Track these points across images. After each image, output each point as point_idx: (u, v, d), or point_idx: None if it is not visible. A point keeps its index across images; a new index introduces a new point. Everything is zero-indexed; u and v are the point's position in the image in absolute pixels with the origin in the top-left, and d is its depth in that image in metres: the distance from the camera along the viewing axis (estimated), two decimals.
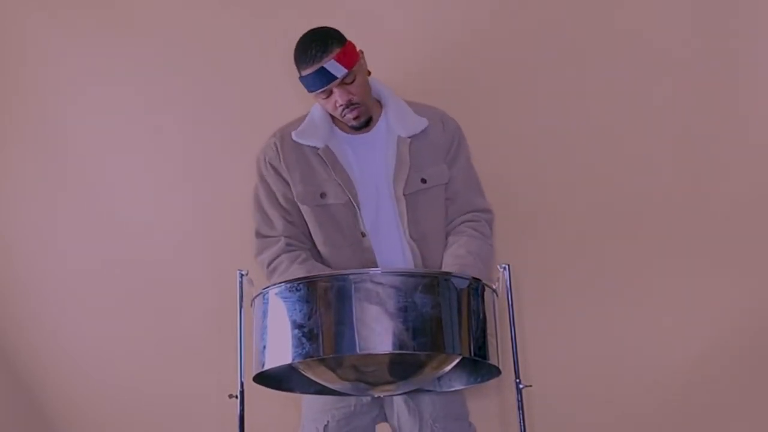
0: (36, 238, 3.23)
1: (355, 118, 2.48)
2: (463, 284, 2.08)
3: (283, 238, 2.52)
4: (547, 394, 2.65)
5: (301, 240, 2.54)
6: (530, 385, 2.19)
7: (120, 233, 3.17)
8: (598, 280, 2.91)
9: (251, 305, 2.19)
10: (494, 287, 2.19)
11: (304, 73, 2.42)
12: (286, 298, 2.05)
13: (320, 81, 2.40)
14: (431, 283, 2.03)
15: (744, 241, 2.86)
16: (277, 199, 2.55)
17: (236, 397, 2.18)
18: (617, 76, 2.96)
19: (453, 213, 2.56)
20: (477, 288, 2.11)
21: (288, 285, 2.06)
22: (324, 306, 2.01)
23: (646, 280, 2.89)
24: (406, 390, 2.33)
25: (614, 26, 2.98)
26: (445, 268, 2.43)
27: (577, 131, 2.97)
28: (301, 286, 2.04)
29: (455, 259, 2.44)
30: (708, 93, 2.91)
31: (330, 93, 2.43)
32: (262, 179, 2.59)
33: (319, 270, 2.44)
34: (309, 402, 2.51)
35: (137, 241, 3.16)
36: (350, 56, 2.41)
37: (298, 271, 2.43)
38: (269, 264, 2.52)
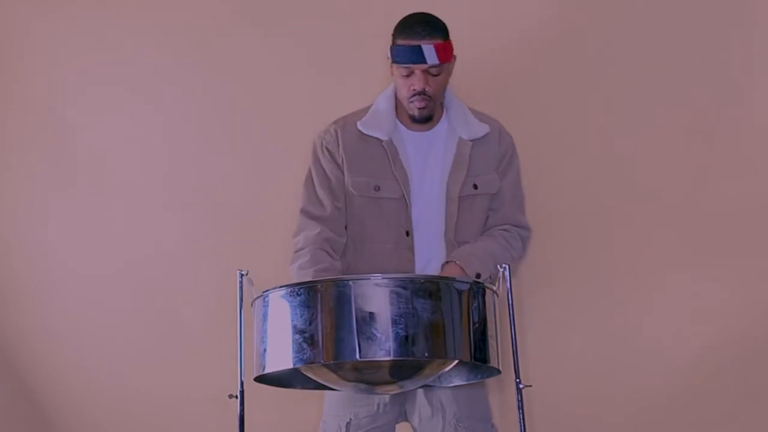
0: (36, 239, 3.23)
1: (420, 108, 2.49)
2: (464, 287, 2.08)
3: (322, 228, 2.50)
4: (547, 394, 2.65)
5: (340, 233, 2.53)
6: (530, 385, 2.19)
7: (120, 234, 3.17)
8: (599, 280, 2.91)
9: (251, 306, 2.19)
10: (494, 288, 2.19)
11: (401, 42, 2.43)
12: (287, 302, 2.05)
13: (410, 57, 2.41)
14: (432, 288, 2.03)
15: (744, 241, 2.86)
16: (330, 183, 2.55)
17: (236, 397, 2.18)
18: (618, 78, 2.96)
19: (492, 223, 2.59)
20: (477, 290, 2.11)
21: (289, 289, 2.06)
22: (325, 311, 2.01)
23: (647, 280, 2.89)
24: (408, 389, 2.33)
25: (616, 28, 2.97)
26: (455, 254, 2.46)
27: (577, 132, 2.97)
28: (301, 290, 2.04)
29: (470, 247, 2.48)
30: (709, 94, 2.91)
31: (411, 73, 2.44)
32: (317, 162, 2.58)
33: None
34: (331, 397, 2.50)
35: (137, 241, 3.16)
36: (447, 52, 2.44)
37: (307, 278, 2.41)
38: (298, 249, 2.51)
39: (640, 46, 2.96)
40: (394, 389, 2.26)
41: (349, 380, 2.16)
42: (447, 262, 2.46)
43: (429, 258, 2.51)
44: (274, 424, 2.81)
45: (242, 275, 2.24)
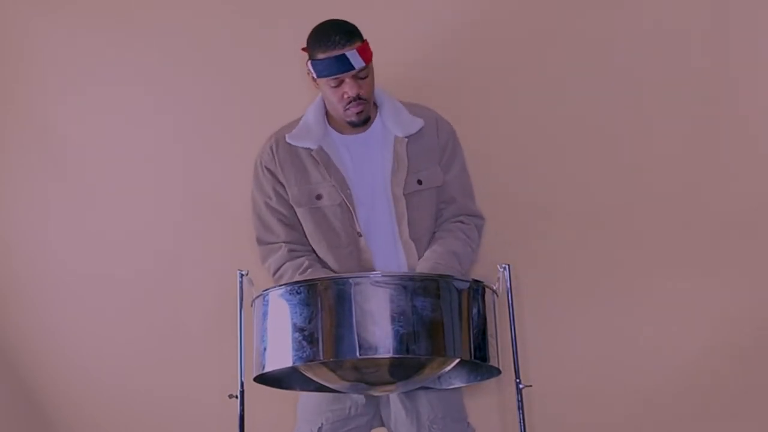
0: (36, 239, 3.23)
1: (357, 113, 2.47)
2: (464, 286, 2.09)
3: (284, 245, 2.52)
4: (547, 394, 2.65)
5: (302, 243, 2.55)
6: (530, 385, 2.19)
7: (120, 234, 3.17)
8: (599, 280, 2.91)
9: (251, 306, 2.19)
10: (494, 287, 2.19)
11: (321, 56, 2.41)
12: (286, 300, 2.06)
13: (337, 68, 2.39)
14: (431, 285, 2.04)
15: (745, 241, 2.86)
16: (273, 205, 2.56)
17: (236, 397, 2.18)
18: (618, 78, 2.96)
19: (447, 216, 2.56)
20: (477, 289, 2.11)
21: (288, 288, 2.06)
22: (324, 309, 2.02)
23: (647, 280, 2.89)
24: (407, 389, 2.33)
25: (615, 27, 2.97)
26: (421, 263, 2.43)
27: (578, 132, 2.96)
28: (301, 289, 2.05)
29: (432, 254, 2.45)
30: (710, 95, 2.90)
31: (341, 83, 2.43)
32: (259, 184, 2.59)
33: (323, 275, 2.44)
34: (303, 403, 2.51)
35: (137, 241, 3.16)
36: (368, 53, 2.43)
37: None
38: (275, 272, 2.53)
39: (640, 45, 2.95)
40: (393, 389, 2.26)
41: (348, 380, 2.17)
42: None
43: (387, 259, 2.49)
44: (274, 424, 2.81)
45: (242, 275, 2.25)
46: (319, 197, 2.51)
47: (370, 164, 2.53)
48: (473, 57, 3.01)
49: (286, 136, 2.55)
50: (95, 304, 3.16)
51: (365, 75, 2.44)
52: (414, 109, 2.59)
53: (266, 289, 2.11)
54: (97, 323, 3.16)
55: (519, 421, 2.17)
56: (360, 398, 2.45)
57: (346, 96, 2.44)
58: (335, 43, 2.38)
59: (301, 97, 2.85)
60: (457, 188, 2.57)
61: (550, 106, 2.98)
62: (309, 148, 2.52)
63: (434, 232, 2.54)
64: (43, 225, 3.23)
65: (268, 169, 2.56)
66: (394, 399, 2.47)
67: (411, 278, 2.04)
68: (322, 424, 2.45)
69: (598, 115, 2.96)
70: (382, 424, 2.53)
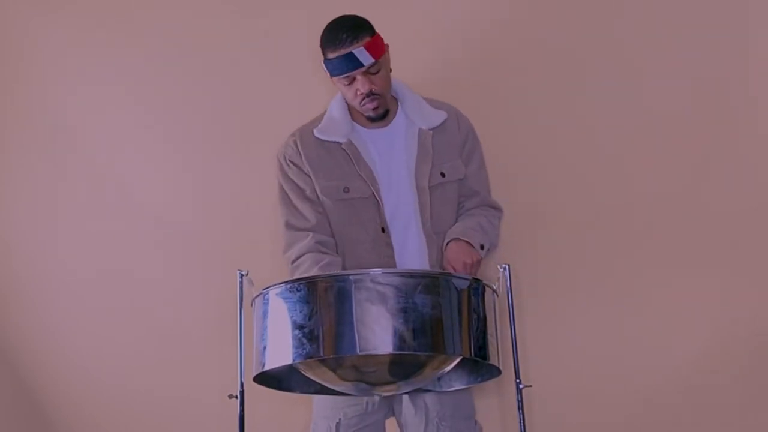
0: (36, 239, 3.23)
1: (374, 109, 2.50)
2: (464, 284, 2.09)
3: (312, 234, 2.52)
4: (547, 394, 2.65)
5: (329, 235, 2.55)
6: (530, 385, 2.19)
7: (120, 234, 3.17)
8: (599, 280, 2.91)
9: (251, 305, 2.19)
10: (494, 287, 2.19)
11: (331, 56, 2.43)
12: (286, 298, 2.05)
13: (346, 66, 2.41)
14: (432, 283, 2.04)
15: (743, 241, 2.86)
16: (305, 193, 2.57)
17: (236, 397, 2.18)
18: (618, 79, 2.96)
19: (468, 207, 2.61)
20: (477, 288, 2.11)
21: (288, 285, 2.06)
22: (324, 307, 2.01)
23: (647, 280, 2.89)
24: (407, 390, 2.33)
25: (618, 29, 2.97)
26: (451, 233, 2.48)
27: (579, 133, 2.96)
28: (301, 286, 2.05)
29: (461, 226, 2.50)
30: (710, 96, 2.91)
31: (353, 80, 2.45)
32: (286, 177, 2.60)
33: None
34: (320, 399, 2.51)
35: (137, 241, 3.16)
36: (379, 47, 2.44)
37: (316, 273, 2.43)
38: (295, 260, 2.52)
39: (637, 45, 2.95)
40: (393, 389, 2.26)
41: (348, 380, 2.16)
42: (450, 241, 2.47)
43: (410, 252, 2.51)
44: (274, 424, 2.81)
45: (242, 275, 2.25)
46: (346, 190, 2.53)
47: (394, 157, 2.56)
48: (473, 58, 3.01)
49: (314, 130, 2.57)
50: (95, 304, 3.16)
51: (376, 70, 2.45)
52: (435, 103, 2.64)
53: (266, 288, 2.11)
54: (97, 323, 3.16)
55: (519, 421, 2.17)
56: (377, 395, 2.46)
57: (359, 93, 2.47)
58: (342, 42, 2.40)
59: (301, 96, 2.86)
60: (478, 181, 2.63)
61: (549, 107, 2.98)
62: (338, 142, 2.54)
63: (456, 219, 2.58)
64: (43, 225, 3.23)
65: (293, 163, 2.58)
66: (404, 395, 2.48)
67: (411, 276, 2.04)
68: (339, 419, 2.46)
69: (598, 116, 2.96)
70: (394, 415, 2.56)
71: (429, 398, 2.47)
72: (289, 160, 2.59)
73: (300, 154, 2.57)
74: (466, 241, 2.46)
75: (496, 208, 2.66)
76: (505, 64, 3.02)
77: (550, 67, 2.99)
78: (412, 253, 2.51)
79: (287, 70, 3.10)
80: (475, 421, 2.55)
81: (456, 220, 2.59)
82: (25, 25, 3.26)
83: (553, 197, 2.94)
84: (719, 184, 2.89)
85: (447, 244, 2.48)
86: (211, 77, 3.17)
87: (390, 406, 2.53)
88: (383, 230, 2.51)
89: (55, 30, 3.25)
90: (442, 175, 2.55)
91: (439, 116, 2.58)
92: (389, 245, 2.50)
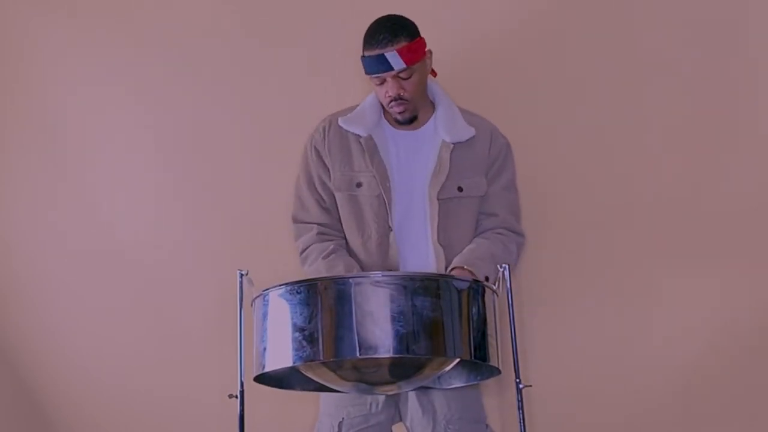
0: (36, 239, 3.23)
1: (400, 113, 2.50)
2: (464, 286, 2.09)
3: (316, 226, 2.55)
4: (547, 394, 2.65)
5: (335, 228, 2.57)
6: (530, 385, 2.19)
7: (120, 233, 3.17)
8: (599, 280, 2.91)
9: (251, 306, 2.19)
10: (494, 288, 2.19)
11: (366, 54, 2.43)
12: (286, 300, 2.05)
13: (377, 67, 2.42)
14: (432, 285, 2.04)
15: (744, 242, 2.85)
16: (315, 185, 2.58)
17: (236, 397, 2.18)
18: (617, 79, 2.96)
19: (487, 226, 2.57)
20: (477, 289, 2.11)
21: (288, 287, 2.06)
22: (324, 309, 2.01)
23: (647, 280, 2.89)
24: (407, 389, 2.33)
25: (614, 27, 2.97)
26: (457, 258, 2.44)
27: (579, 132, 2.96)
28: (301, 288, 2.04)
29: (469, 252, 2.46)
30: (710, 96, 2.90)
31: (383, 81, 2.45)
32: (305, 163, 2.62)
33: (340, 266, 2.46)
34: (326, 397, 2.51)
35: (137, 241, 3.16)
36: (414, 53, 2.42)
37: (321, 267, 2.46)
38: (302, 252, 2.57)
39: (638, 46, 2.95)
40: (394, 389, 2.26)
41: (348, 380, 2.16)
42: (454, 268, 2.42)
43: (417, 260, 2.50)
44: (274, 424, 2.81)
45: (242, 275, 2.25)
46: (359, 185, 2.53)
47: (414, 163, 2.55)
48: (472, 58, 3.01)
49: (339, 119, 2.57)
50: (96, 304, 3.16)
51: (407, 76, 2.44)
52: (472, 118, 2.61)
53: (266, 289, 2.11)
54: (97, 323, 3.16)
55: (519, 421, 2.17)
56: (380, 395, 2.46)
57: (388, 95, 2.47)
58: (378, 42, 2.40)
59: (303, 96, 2.86)
60: (502, 203, 2.58)
61: (549, 107, 2.98)
62: (359, 135, 2.54)
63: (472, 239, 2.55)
64: (43, 225, 3.23)
65: (316, 149, 2.59)
66: (411, 397, 2.47)
67: (411, 278, 2.04)
68: (342, 418, 2.46)
69: (599, 116, 2.96)
70: (402, 420, 2.54)
71: (437, 400, 2.46)
72: (314, 146, 2.59)
73: (325, 141, 2.58)
74: (470, 271, 2.39)
75: (518, 233, 2.61)
76: (505, 63, 3.01)
77: (550, 67, 2.99)
78: (418, 260, 2.50)
79: (288, 70, 3.10)
80: (486, 425, 2.53)
81: (473, 237, 2.56)
82: (24, 25, 3.26)
83: (553, 197, 2.94)
84: (719, 184, 2.88)
85: (451, 270, 2.43)
86: (212, 77, 3.17)
87: (396, 408, 2.51)
88: (390, 229, 2.50)
89: (55, 30, 3.24)
90: (460, 189, 2.52)
91: (467, 132, 2.55)
92: (395, 246, 2.49)
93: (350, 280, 2.02)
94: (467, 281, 2.11)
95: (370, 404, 2.47)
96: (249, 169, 3.11)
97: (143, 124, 3.20)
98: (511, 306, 2.19)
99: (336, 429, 2.45)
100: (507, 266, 2.22)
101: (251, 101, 3.13)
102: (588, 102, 2.97)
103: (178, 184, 3.17)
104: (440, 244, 2.49)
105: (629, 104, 2.95)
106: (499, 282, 2.23)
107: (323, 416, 2.52)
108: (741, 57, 2.90)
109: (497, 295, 2.20)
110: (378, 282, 2.00)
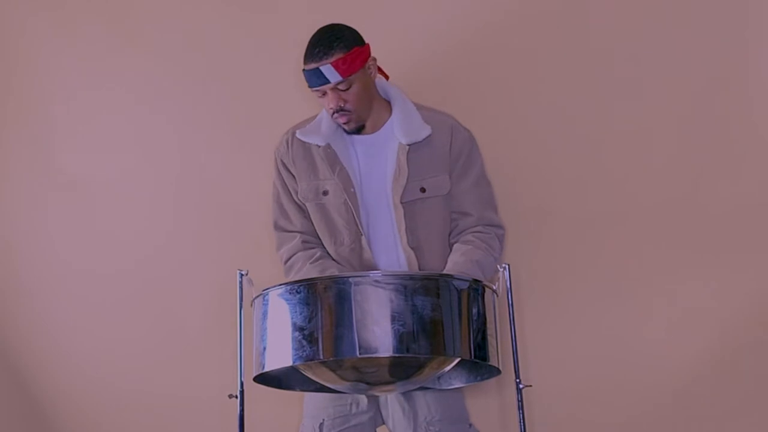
0: (36, 239, 3.23)
1: (345, 123, 2.49)
2: (464, 285, 2.09)
3: (299, 235, 2.55)
4: (547, 394, 2.65)
5: (317, 236, 2.57)
6: (530, 385, 2.19)
7: (120, 233, 3.17)
8: (598, 280, 2.91)
9: (251, 306, 2.19)
10: (494, 287, 2.19)
11: (305, 67, 2.43)
12: (286, 300, 2.06)
13: (314, 80, 2.42)
14: (432, 285, 2.04)
15: (741, 240, 2.85)
16: (291, 195, 2.58)
17: (236, 397, 2.18)
18: (618, 79, 2.95)
19: (464, 226, 2.54)
20: (477, 289, 2.11)
21: (288, 287, 2.06)
22: (324, 308, 2.02)
23: (647, 279, 2.89)
24: (407, 389, 2.33)
25: (610, 26, 2.97)
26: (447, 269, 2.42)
27: (577, 132, 2.96)
28: (301, 288, 2.05)
29: (454, 265, 2.42)
30: (710, 94, 2.90)
31: (324, 93, 2.45)
32: (278, 175, 2.62)
33: (332, 268, 2.46)
34: (309, 399, 2.51)
35: (137, 241, 3.16)
36: (351, 64, 2.39)
37: (312, 271, 2.45)
38: (286, 261, 2.55)
39: (634, 45, 2.95)
40: (393, 389, 2.26)
41: (348, 380, 2.17)
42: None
43: (388, 264, 2.48)
44: (274, 424, 2.81)
45: (242, 275, 2.25)
46: (325, 193, 2.53)
47: (375, 167, 2.53)
48: (472, 58, 3.01)
49: (297, 131, 2.58)
50: (96, 304, 3.16)
51: (345, 87, 2.42)
52: (429, 114, 2.56)
53: (266, 289, 2.11)
54: (97, 323, 3.16)
55: (519, 421, 2.17)
56: (361, 396, 2.46)
57: (329, 107, 2.46)
58: (314, 56, 2.40)
59: (303, 96, 2.85)
60: (474, 200, 2.54)
61: (549, 108, 2.97)
62: (318, 145, 2.54)
63: (453, 243, 2.53)
64: (43, 225, 3.23)
65: (282, 162, 2.60)
66: (392, 399, 2.47)
67: (411, 277, 2.04)
68: (323, 420, 2.46)
69: (598, 117, 2.96)
70: (384, 422, 2.54)
71: (417, 401, 2.45)
72: (280, 159, 2.60)
73: (289, 153, 2.58)
74: None
75: (495, 225, 2.56)
76: (505, 64, 3.01)
77: (549, 67, 2.99)
78: (390, 263, 2.48)
79: (289, 70, 3.09)
80: (469, 425, 2.52)
81: (449, 235, 2.53)
82: (23, 24, 3.27)
83: (552, 197, 2.94)
84: (719, 184, 2.88)
85: None
86: (213, 77, 3.17)
87: (377, 409, 2.50)
88: (361, 234, 2.49)
89: (54, 30, 3.25)
90: (423, 190, 2.49)
91: (423, 130, 2.50)
92: (368, 250, 2.48)
93: (350, 279, 2.02)
94: (467, 281, 2.11)
95: (351, 405, 2.47)
96: (250, 169, 3.10)
97: (143, 124, 3.20)
98: (511, 306, 2.19)
99: (317, 430, 2.45)
100: (507, 266, 2.22)
101: (253, 101, 3.13)
102: (582, 99, 2.96)
103: (178, 184, 3.17)
104: (410, 247, 2.47)
105: (624, 101, 2.94)
106: (498, 282, 2.23)
107: (305, 418, 2.52)
108: (741, 57, 2.90)
109: (497, 295, 2.20)
110: (378, 281, 2.01)
